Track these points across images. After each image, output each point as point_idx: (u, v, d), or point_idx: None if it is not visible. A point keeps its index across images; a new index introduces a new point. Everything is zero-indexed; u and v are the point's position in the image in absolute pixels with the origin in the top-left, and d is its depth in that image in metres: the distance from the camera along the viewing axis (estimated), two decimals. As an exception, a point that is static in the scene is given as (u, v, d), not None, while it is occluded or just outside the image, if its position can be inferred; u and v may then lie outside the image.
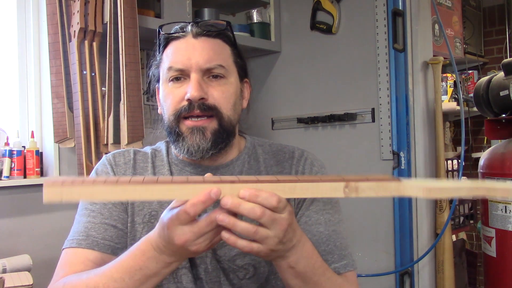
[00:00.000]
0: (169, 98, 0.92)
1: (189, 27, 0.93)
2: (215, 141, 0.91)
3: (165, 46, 0.95)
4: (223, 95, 0.91)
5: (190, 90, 0.88)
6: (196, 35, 0.92)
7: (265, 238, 0.67)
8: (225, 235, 0.67)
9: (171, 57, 0.93)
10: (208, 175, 0.70)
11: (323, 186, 0.65)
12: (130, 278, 0.75)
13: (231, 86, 0.94)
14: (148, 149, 1.04)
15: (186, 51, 0.91)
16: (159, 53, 0.97)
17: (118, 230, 0.92)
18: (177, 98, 0.91)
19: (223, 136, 0.92)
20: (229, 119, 0.92)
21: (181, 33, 0.93)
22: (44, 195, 0.61)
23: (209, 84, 0.91)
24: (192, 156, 0.91)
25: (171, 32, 0.95)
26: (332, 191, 0.65)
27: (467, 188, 0.66)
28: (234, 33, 0.99)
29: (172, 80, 0.92)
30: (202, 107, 0.89)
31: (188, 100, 0.89)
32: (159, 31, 0.96)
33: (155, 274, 0.75)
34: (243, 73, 0.99)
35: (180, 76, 0.91)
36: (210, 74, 0.91)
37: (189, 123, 0.90)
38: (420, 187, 0.65)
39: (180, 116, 0.91)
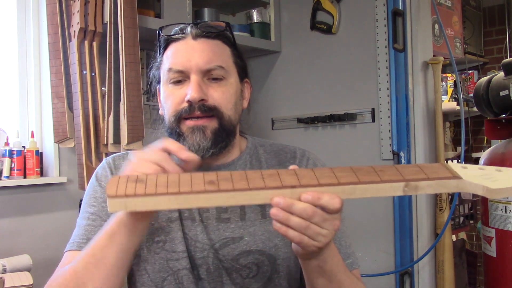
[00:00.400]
0: (169, 100, 0.93)
1: (189, 29, 0.93)
2: (216, 140, 0.91)
3: (165, 48, 0.96)
4: (223, 95, 0.92)
5: (190, 91, 0.89)
6: (195, 37, 0.93)
7: (317, 235, 0.67)
8: (276, 224, 0.67)
9: (171, 58, 0.93)
10: (292, 167, 0.69)
11: (383, 186, 0.63)
12: (95, 241, 0.79)
13: (231, 87, 0.94)
14: None
15: (186, 53, 0.91)
16: (159, 54, 0.97)
17: None
18: (178, 99, 0.91)
19: (223, 135, 0.92)
20: (230, 118, 0.93)
21: (181, 35, 0.93)
22: (109, 207, 0.60)
23: (209, 85, 0.91)
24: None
25: (171, 33, 0.95)
26: (391, 191, 0.64)
27: None
28: (234, 33, 0.99)
29: (172, 82, 0.92)
30: (203, 109, 0.89)
31: (188, 101, 0.89)
32: (159, 32, 0.96)
33: (113, 232, 0.76)
34: (243, 74, 0.99)
35: (181, 78, 0.91)
36: (210, 76, 0.91)
37: (189, 122, 0.91)
38: (479, 187, 0.61)
39: (181, 117, 0.91)
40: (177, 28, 0.95)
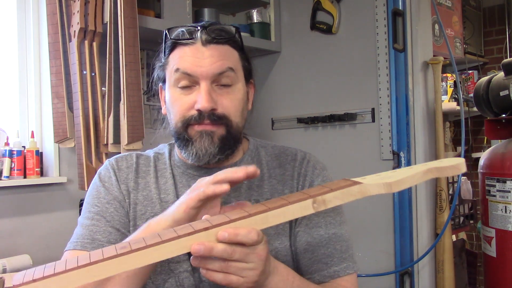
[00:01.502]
0: (177, 105, 0.91)
1: (198, 34, 0.91)
2: (223, 147, 0.91)
3: (171, 49, 0.94)
4: (232, 103, 0.91)
5: (201, 101, 0.87)
6: (205, 43, 0.91)
7: (243, 270, 0.67)
8: (202, 271, 0.67)
9: (179, 60, 0.91)
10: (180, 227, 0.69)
11: (293, 208, 0.65)
12: None
13: (239, 92, 0.93)
14: (150, 152, 1.04)
15: (195, 58, 0.89)
16: (164, 55, 0.95)
17: (121, 233, 0.92)
18: (186, 105, 0.90)
19: (231, 142, 0.92)
20: (237, 126, 0.92)
21: (190, 40, 0.91)
22: None
23: (218, 93, 0.90)
24: (199, 160, 0.91)
25: (179, 37, 0.92)
26: (302, 210, 0.65)
27: (420, 173, 0.67)
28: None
29: (180, 86, 0.91)
30: (212, 118, 0.89)
31: (198, 110, 0.88)
32: (166, 34, 0.94)
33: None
34: (249, 76, 0.98)
35: (189, 83, 0.90)
36: (219, 81, 0.90)
37: (197, 127, 0.90)
38: (380, 185, 0.66)
39: (189, 123, 0.90)
40: (183, 30, 0.93)
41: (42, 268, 0.57)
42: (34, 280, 0.55)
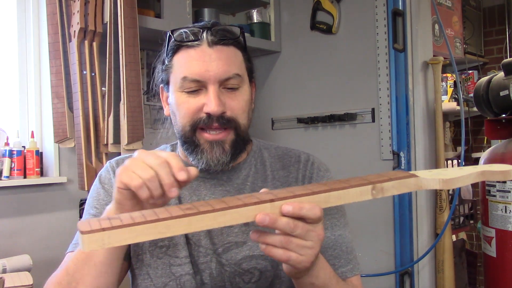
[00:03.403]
0: (183, 108, 0.90)
1: (204, 35, 0.89)
2: (234, 152, 0.91)
3: (175, 52, 0.92)
4: (239, 105, 0.90)
5: (211, 104, 0.87)
6: (211, 44, 0.89)
7: (302, 248, 0.66)
8: (261, 246, 0.67)
9: (185, 66, 0.89)
10: (263, 191, 0.69)
11: (353, 191, 0.66)
12: None
13: (245, 94, 0.93)
14: None
15: (203, 62, 0.88)
16: (167, 56, 0.94)
17: None
18: (194, 108, 0.89)
19: (241, 144, 0.92)
20: (245, 127, 0.92)
21: (196, 42, 0.89)
22: (83, 245, 0.55)
23: (226, 96, 0.89)
24: (210, 168, 0.91)
25: (183, 39, 0.91)
26: (361, 195, 0.66)
27: (475, 174, 0.69)
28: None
29: (187, 91, 0.90)
30: (221, 121, 0.88)
31: (208, 113, 0.88)
32: (169, 36, 0.93)
33: None
34: (251, 75, 0.98)
35: (196, 88, 0.89)
36: (226, 85, 0.89)
37: (207, 136, 0.89)
38: (436, 180, 0.67)
39: (197, 127, 0.90)
40: (186, 30, 0.91)
41: (107, 218, 0.58)
42: (103, 229, 0.55)
